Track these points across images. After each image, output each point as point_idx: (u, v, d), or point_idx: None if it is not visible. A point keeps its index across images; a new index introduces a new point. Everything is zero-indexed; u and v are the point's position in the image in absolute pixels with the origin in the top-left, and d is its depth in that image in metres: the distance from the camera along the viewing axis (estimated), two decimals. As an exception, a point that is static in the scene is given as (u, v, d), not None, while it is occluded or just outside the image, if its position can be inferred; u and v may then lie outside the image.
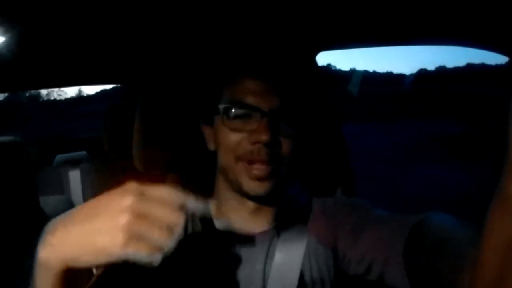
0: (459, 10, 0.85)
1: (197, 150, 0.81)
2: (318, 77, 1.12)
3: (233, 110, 0.64)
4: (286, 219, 0.73)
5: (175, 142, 0.88)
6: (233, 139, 0.64)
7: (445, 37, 1.03)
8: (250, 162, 0.63)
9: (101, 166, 2.11)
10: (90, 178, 1.97)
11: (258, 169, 0.63)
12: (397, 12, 0.92)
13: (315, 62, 1.15)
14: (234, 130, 0.64)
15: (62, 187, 1.95)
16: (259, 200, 0.68)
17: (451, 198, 5.52)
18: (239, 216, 0.70)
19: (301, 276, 0.67)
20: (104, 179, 1.97)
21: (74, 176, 1.98)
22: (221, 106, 0.65)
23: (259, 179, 0.63)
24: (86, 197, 1.93)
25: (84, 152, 2.28)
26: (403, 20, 0.97)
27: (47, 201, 1.42)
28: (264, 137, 0.60)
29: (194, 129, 0.79)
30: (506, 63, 0.96)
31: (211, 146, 0.71)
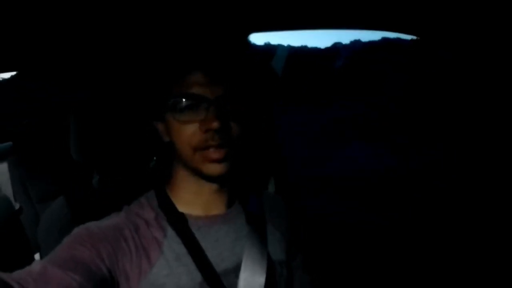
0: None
1: (142, 143, 0.83)
2: (255, 58, 1.16)
3: (181, 104, 0.68)
4: (245, 201, 0.79)
5: (117, 136, 0.91)
6: (187, 132, 0.68)
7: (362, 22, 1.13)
8: (206, 148, 0.68)
9: (30, 159, 2.05)
10: (19, 172, 1.92)
11: (214, 152, 0.67)
12: None
13: (250, 44, 1.21)
14: (185, 122, 0.68)
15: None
16: (219, 182, 0.74)
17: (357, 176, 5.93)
18: (201, 199, 0.74)
19: (268, 254, 0.74)
20: (33, 172, 1.93)
21: (2, 170, 1.93)
22: (170, 101, 0.69)
23: (217, 161, 0.68)
24: (16, 191, 1.89)
25: (10, 143, 2.18)
26: (326, 4, 1.05)
27: None
28: (215, 124, 0.65)
29: (137, 124, 0.81)
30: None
31: (166, 138, 0.74)
